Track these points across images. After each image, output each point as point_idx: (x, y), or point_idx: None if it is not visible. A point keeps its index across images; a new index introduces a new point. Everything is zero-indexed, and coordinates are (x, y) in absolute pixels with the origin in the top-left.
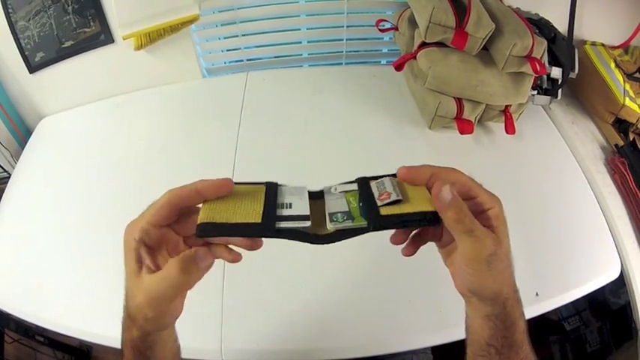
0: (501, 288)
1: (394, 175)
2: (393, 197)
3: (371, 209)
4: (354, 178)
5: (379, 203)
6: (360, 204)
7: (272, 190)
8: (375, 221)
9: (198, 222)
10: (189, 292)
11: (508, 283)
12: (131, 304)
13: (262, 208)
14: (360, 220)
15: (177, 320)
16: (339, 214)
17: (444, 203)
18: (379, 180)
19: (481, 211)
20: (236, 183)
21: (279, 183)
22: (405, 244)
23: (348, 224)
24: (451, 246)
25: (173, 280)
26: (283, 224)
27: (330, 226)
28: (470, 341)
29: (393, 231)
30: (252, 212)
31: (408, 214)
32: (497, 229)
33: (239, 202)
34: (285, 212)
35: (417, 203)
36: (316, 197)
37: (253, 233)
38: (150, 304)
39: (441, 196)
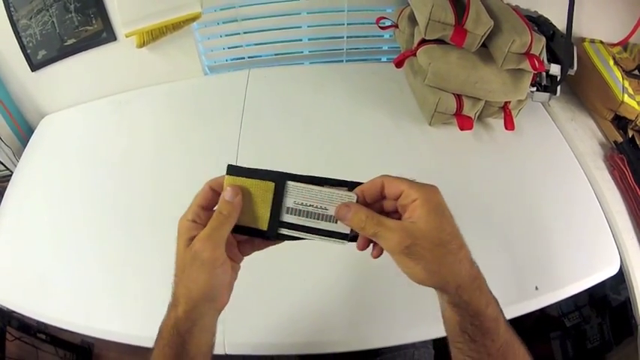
0: (441, 276)
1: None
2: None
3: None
4: (348, 180)
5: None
6: None
7: (280, 189)
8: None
9: None
10: None
11: (452, 271)
12: (186, 256)
13: (269, 214)
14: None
15: None
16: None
17: (347, 220)
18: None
19: (409, 202)
20: (248, 170)
21: (288, 176)
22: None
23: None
24: None
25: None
26: (285, 231)
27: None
28: (447, 329)
29: None
30: (260, 217)
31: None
32: (419, 219)
33: (251, 203)
34: (289, 219)
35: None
36: (317, 184)
37: (259, 235)
38: (207, 240)
39: (342, 217)
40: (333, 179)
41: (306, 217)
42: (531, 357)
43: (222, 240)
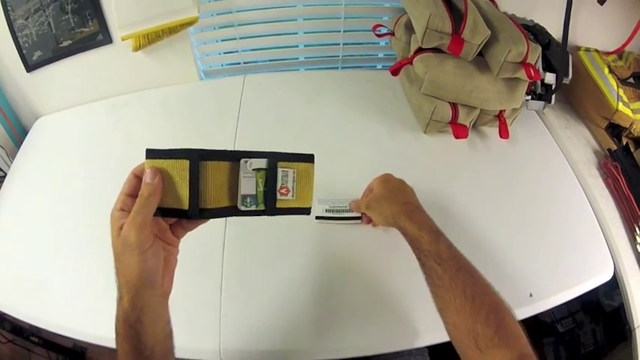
0: (384, 214)
1: (304, 157)
2: (289, 196)
3: (271, 199)
4: (266, 151)
5: (278, 196)
6: (265, 189)
7: (194, 169)
8: (271, 211)
9: None
10: (189, 294)
11: (389, 209)
12: (122, 243)
13: (188, 192)
14: (261, 206)
15: (177, 322)
16: (248, 199)
17: (354, 209)
18: (285, 170)
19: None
20: (164, 151)
21: (201, 153)
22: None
23: (253, 208)
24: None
25: (142, 197)
26: (206, 209)
27: (242, 208)
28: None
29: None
30: (182, 197)
31: (293, 209)
32: (373, 190)
33: (171, 183)
34: (327, 213)
35: (302, 200)
36: (232, 159)
37: (182, 216)
38: (132, 223)
39: (352, 208)
40: (244, 151)
41: (337, 212)
42: (509, 307)
43: (146, 222)
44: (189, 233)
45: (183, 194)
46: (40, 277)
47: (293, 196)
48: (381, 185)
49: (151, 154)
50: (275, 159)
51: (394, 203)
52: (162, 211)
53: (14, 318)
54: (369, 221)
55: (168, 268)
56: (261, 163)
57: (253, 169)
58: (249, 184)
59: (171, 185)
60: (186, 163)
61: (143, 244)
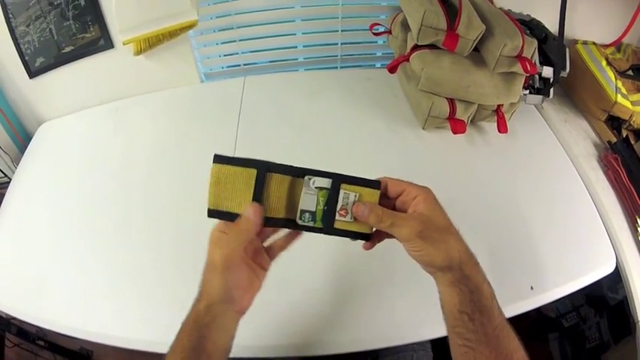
0: (449, 254)
1: (370, 182)
2: (348, 218)
3: (330, 218)
4: (331, 172)
5: (337, 217)
6: (325, 207)
7: (260, 178)
8: (328, 230)
9: (208, 207)
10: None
11: (456, 248)
12: (209, 262)
13: (251, 200)
14: (319, 223)
15: None
16: (307, 214)
17: (365, 217)
18: (347, 192)
19: (411, 199)
20: (233, 158)
21: (268, 165)
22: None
23: (311, 224)
24: None
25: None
26: (265, 217)
27: (299, 222)
28: (445, 316)
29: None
30: (242, 202)
31: (351, 232)
32: (424, 210)
33: (234, 189)
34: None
35: (361, 225)
36: (296, 175)
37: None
38: (222, 249)
39: (360, 214)
40: (310, 169)
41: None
42: (526, 351)
43: (235, 251)
44: (202, 227)
45: (245, 200)
46: (43, 279)
47: (351, 218)
48: (437, 208)
49: (219, 159)
50: (339, 180)
51: (460, 239)
52: (220, 214)
53: (20, 322)
54: (371, 247)
55: (252, 289)
56: (325, 182)
57: (316, 187)
58: (309, 201)
59: (234, 190)
60: (253, 172)
61: (228, 268)
